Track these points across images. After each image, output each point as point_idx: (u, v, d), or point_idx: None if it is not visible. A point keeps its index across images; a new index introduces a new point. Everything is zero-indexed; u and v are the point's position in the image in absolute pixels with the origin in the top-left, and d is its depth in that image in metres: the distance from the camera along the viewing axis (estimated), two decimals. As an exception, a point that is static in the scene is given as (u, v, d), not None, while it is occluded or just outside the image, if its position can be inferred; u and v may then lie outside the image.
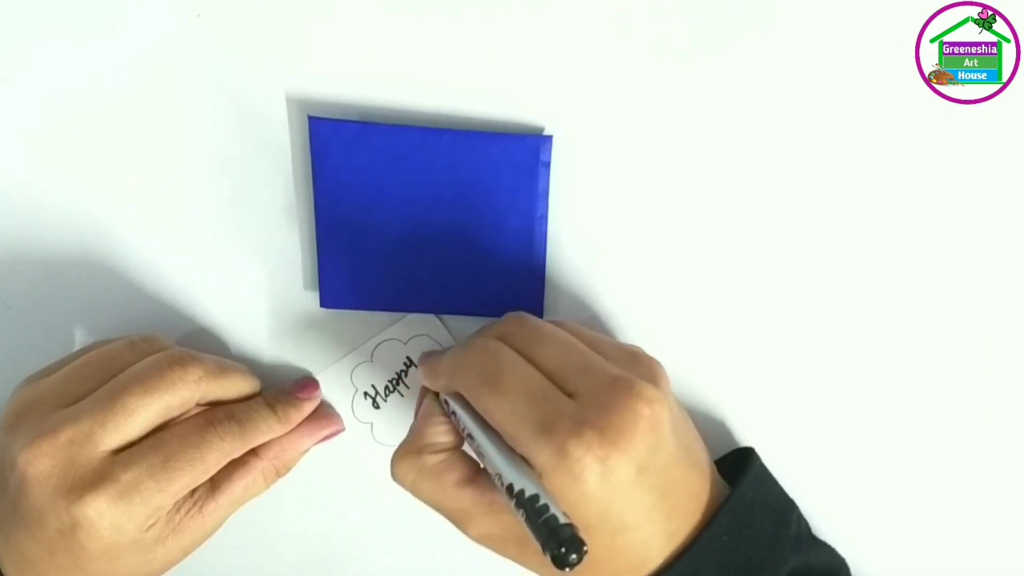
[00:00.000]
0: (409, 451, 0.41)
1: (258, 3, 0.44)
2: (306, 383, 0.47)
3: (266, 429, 0.44)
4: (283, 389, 0.46)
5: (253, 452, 0.45)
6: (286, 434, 0.45)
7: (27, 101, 0.45)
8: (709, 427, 0.47)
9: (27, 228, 0.46)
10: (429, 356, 0.45)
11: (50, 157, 0.46)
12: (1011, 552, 0.49)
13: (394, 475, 0.41)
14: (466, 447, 0.41)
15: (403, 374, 0.48)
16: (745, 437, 0.48)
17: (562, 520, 0.34)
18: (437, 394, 0.43)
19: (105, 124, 0.45)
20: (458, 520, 0.41)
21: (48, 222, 0.46)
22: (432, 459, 0.41)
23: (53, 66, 0.45)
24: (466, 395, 0.40)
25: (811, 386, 0.48)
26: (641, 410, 0.37)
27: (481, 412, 0.39)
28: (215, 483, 0.44)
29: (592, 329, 0.44)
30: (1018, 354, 0.47)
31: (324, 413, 0.47)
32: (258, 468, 0.45)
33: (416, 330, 0.47)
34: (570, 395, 0.38)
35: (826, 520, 0.48)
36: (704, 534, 0.40)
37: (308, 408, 0.46)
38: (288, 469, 0.46)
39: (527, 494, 0.35)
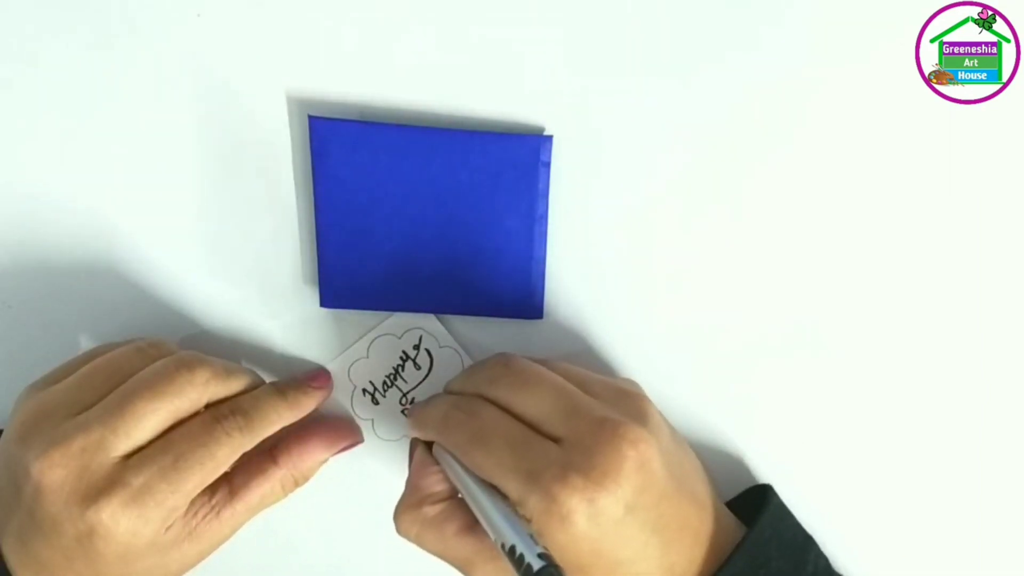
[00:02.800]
0: (409, 505, 0.42)
1: (258, 3, 0.44)
2: (317, 372, 0.47)
3: (275, 417, 0.44)
4: (294, 377, 0.47)
5: (272, 460, 0.45)
6: (305, 442, 0.46)
7: (27, 102, 0.45)
8: (722, 457, 0.48)
9: (27, 227, 0.46)
10: (415, 406, 0.45)
11: (50, 157, 0.46)
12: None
13: (398, 530, 0.42)
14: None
15: (400, 368, 0.48)
16: (761, 467, 0.48)
17: (536, 566, 0.35)
18: (427, 443, 0.44)
19: (105, 124, 0.45)
20: (463, 568, 0.42)
21: (48, 222, 0.46)
22: (431, 510, 0.42)
23: (53, 66, 0.45)
24: (455, 453, 0.41)
25: (827, 405, 0.48)
26: (626, 451, 0.38)
27: (470, 468, 0.40)
28: (234, 489, 0.44)
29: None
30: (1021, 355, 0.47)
31: (343, 424, 0.48)
32: (277, 476, 0.45)
33: (410, 324, 0.47)
34: (556, 439, 0.39)
35: (847, 554, 0.48)
36: (719, 575, 0.41)
37: (319, 396, 0.46)
38: (307, 479, 0.46)
39: (518, 550, 0.36)
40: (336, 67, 0.45)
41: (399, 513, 0.42)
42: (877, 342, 0.47)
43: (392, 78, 0.45)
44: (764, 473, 0.48)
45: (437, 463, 0.43)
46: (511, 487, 0.39)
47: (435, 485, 0.42)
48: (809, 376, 0.47)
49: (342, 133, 0.44)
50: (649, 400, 0.42)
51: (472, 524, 0.41)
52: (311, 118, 0.44)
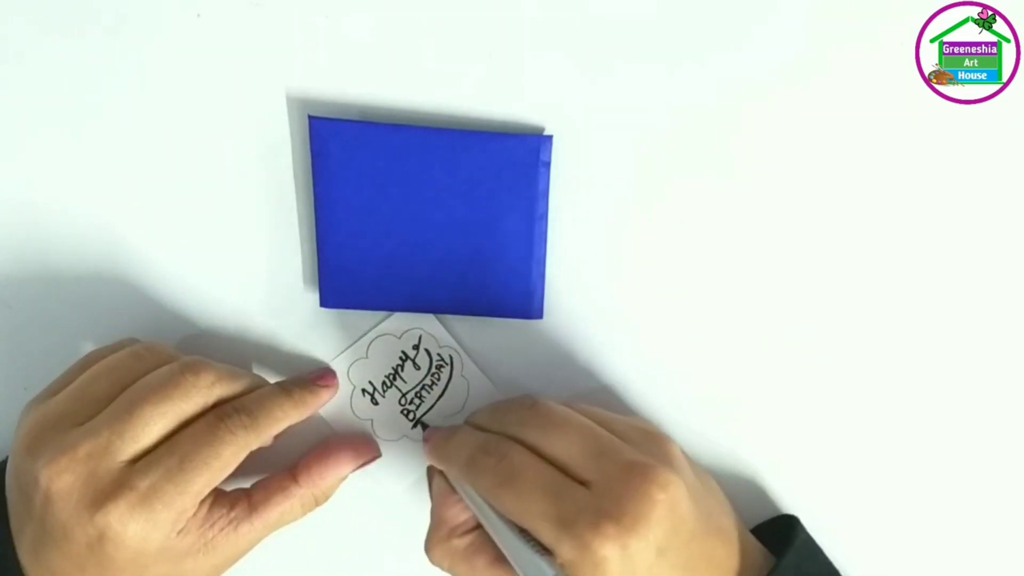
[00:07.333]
0: (439, 539, 0.43)
1: (258, 3, 0.44)
2: (323, 372, 0.47)
3: (280, 415, 0.44)
4: (300, 376, 0.47)
5: (293, 479, 0.45)
6: (324, 460, 0.46)
7: (27, 102, 0.45)
8: (747, 486, 0.48)
9: (28, 228, 0.46)
10: (435, 436, 0.45)
11: (50, 157, 0.46)
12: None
13: (431, 562, 0.43)
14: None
15: (399, 368, 0.48)
16: (756, 465, 0.48)
17: None
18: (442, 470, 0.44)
19: (105, 124, 0.45)
20: None
21: (49, 222, 0.46)
22: (460, 543, 0.42)
23: (53, 67, 0.45)
24: (484, 495, 0.41)
25: (824, 402, 0.48)
26: (656, 496, 0.38)
27: (500, 510, 0.41)
28: (253, 505, 0.44)
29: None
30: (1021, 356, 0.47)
31: (360, 440, 0.48)
32: (297, 495, 0.45)
33: (409, 324, 0.47)
34: (585, 483, 0.39)
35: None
36: None
37: (325, 395, 0.46)
38: (327, 498, 0.47)
39: None
40: (336, 67, 0.45)
41: (430, 547, 0.43)
42: (876, 345, 0.47)
43: (392, 78, 0.45)
44: (758, 470, 0.48)
45: (456, 492, 0.43)
46: (543, 532, 0.39)
47: (460, 515, 0.43)
48: (804, 369, 0.47)
49: (342, 133, 0.44)
50: (671, 440, 0.43)
51: (501, 556, 0.41)
52: (311, 118, 0.44)
